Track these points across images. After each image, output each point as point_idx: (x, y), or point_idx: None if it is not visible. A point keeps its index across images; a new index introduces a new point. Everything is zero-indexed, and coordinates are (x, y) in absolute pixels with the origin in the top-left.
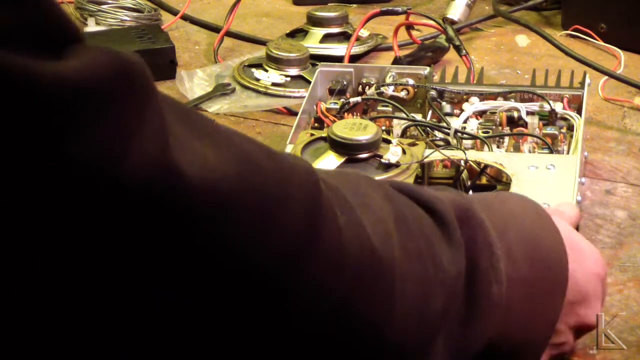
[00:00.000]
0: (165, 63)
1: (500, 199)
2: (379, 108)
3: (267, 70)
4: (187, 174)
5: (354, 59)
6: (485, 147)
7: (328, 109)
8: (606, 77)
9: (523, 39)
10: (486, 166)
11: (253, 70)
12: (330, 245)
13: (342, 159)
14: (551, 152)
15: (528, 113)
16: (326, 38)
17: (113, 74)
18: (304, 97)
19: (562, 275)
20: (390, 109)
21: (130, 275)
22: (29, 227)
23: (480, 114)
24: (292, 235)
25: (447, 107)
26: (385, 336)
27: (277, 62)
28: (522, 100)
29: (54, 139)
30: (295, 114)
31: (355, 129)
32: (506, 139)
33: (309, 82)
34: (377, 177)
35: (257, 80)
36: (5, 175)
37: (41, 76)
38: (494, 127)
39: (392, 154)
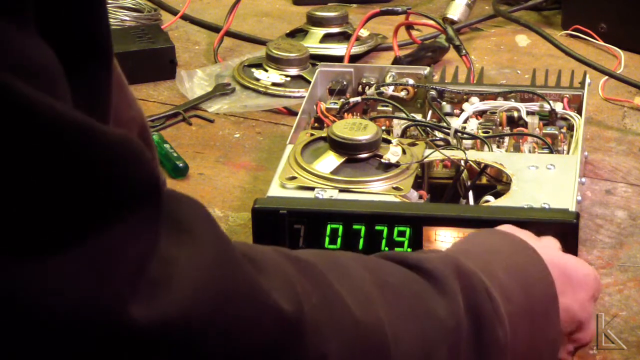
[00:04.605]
0: (165, 63)
1: (476, 241)
2: (379, 108)
3: (267, 70)
4: (141, 324)
5: (354, 59)
6: (485, 147)
7: (328, 109)
8: (606, 77)
9: (523, 39)
10: (486, 166)
11: (253, 70)
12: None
13: (342, 159)
14: (551, 152)
15: (528, 113)
16: (326, 38)
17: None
18: (304, 97)
19: (551, 291)
20: (390, 109)
21: None
22: None
23: (480, 114)
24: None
25: (447, 107)
26: None
27: (277, 62)
28: (522, 100)
29: None
30: (295, 114)
31: (355, 129)
32: (506, 139)
33: (309, 82)
34: (377, 177)
35: (257, 80)
36: None
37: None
38: (494, 127)
39: (392, 154)
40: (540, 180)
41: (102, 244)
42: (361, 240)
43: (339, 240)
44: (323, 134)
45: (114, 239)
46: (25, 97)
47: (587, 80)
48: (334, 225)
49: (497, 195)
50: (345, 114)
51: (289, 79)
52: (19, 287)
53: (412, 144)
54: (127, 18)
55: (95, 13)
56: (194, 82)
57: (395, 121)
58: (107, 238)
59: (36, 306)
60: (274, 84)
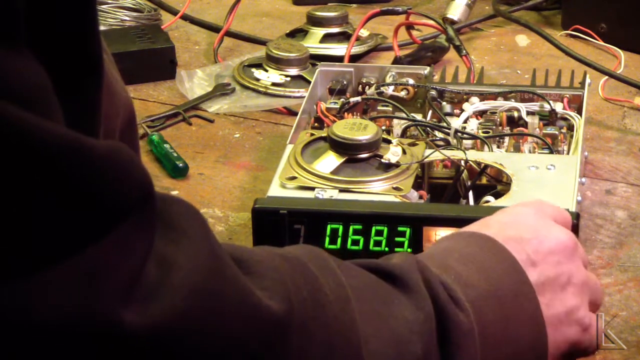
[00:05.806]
0: (165, 63)
1: (434, 246)
2: (379, 108)
3: (267, 70)
4: (135, 331)
5: (354, 58)
6: (485, 147)
7: (328, 109)
8: (606, 77)
9: (523, 39)
10: (486, 166)
11: (253, 70)
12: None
13: (342, 159)
14: (551, 152)
15: (528, 113)
16: (326, 38)
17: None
18: (304, 97)
19: (518, 269)
20: (390, 109)
21: None
22: None
23: (480, 114)
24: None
25: (447, 107)
26: None
27: (277, 62)
28: (522, 100)
29: None
30: (295, 114)
31: (355, 129)
32: (506, 139)
33: (309, 82)
34: (377, 177)
35: (257, 80)
36: None
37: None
38: (494, 127)
39: (392, 154)
40: (540, 180)
41: (95, 254)
42: (361, 241)
43: (339, 240)
44: (323, 134)
45: (108, 248)
46: (14, 117)
47: (587, 80)
48: (334, 225)
49: (497, 195)
50: (345, 113)
51: (289, 79)
52: (10, 302)
53: (412, 144)
54: (127, 18)
55: (87, 29)
56: (194, 82)
57: (395, 121)
58: (101, 248)
59: (28, 319)
60: (274, 84)
